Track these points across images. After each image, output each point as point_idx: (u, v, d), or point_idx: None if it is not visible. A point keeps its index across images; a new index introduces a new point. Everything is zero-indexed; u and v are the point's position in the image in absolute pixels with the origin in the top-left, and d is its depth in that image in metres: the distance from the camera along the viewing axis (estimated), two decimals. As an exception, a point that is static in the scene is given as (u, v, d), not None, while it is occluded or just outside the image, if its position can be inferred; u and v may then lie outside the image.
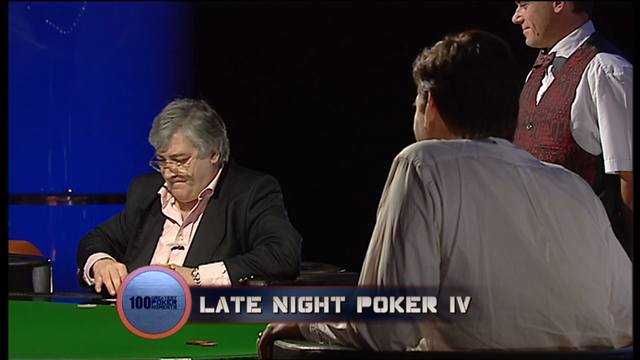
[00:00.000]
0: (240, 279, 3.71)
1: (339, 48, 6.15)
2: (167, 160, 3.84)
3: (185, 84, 6.35)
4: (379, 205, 2.18)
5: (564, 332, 2.17)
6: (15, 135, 6.04)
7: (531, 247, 2.16)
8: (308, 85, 6.21)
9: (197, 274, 3.72)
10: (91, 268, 3.85)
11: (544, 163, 2.30)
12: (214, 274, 3.73)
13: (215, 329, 3.14)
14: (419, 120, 2.31)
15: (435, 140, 2.22)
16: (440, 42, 2.30)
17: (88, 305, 3.61)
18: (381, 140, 5.97)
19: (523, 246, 2.15)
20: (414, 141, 2.34)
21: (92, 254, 3.89)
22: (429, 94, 2.27)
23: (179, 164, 3.83)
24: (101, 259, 3.85)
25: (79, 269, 3.93)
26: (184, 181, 3.84)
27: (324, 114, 6.23)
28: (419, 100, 2.31)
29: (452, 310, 2.13)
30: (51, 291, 4.18)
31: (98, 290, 3.78)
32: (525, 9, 3.70)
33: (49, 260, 4.25)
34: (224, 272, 3.72)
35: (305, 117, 6.24)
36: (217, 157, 3.87)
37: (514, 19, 3.73)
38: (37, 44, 6.06)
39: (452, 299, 2.13)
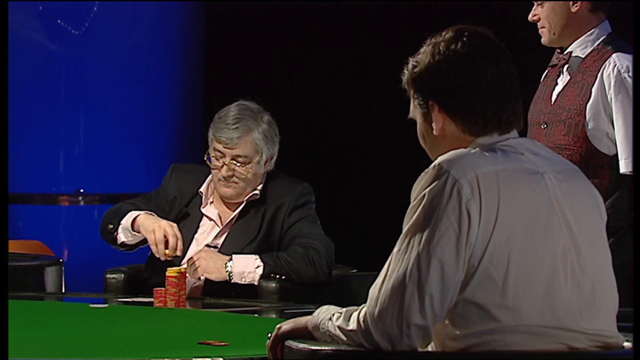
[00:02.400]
0: (272, 275, 3.71)
1: (353, 48, 6.14)
2: (227, 158, 3.84)
3: (197, 83, 6.35)
4: (411, 206, 2.15)
5: (576, 345, 2.17)
6: (27, 135, 6.05)
7: (554, 268, 2.15)
8: (319, 86, 6.20)
9: (231, 265, 3.72)
10: (133, 221, 3.82)
11: (561, 161, 2.29)
12: (247, 267, 3.73)
13: (227, 330, 3.14)
14: (425, 131, 2.27)
15: (473, 150, 2.18)
16: (424, 47, 2.25)
17: (100, 305, 3.60)
18: (393, 141, 5.96)
19: (546, 264, 2.14)
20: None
21: (132, 210, 3.85)
22: (431, 103, 2.23)
23: (239, 165, 3.82)
24: (146, 213, 3.83)
25: (110, 225, 3.87)
26: (237, 182, 3.84)
27: (335, 114, 6.22)
28: (418, 111, 2.26)
29: (466, 321, 2.13)
30: (63, 291, 4.18)
31: (154, 246, 3.73)
32: (542, 7, 3.68)
33: (61, 260, 4.25)
34: (258, 267, 3.72)
35: (317, 117, 6.23)
36: (268, 165, 3.89)
37: (530, 17, 3.71)
38: (49, 44, 6.07)
39: (468, 311, 2.12)
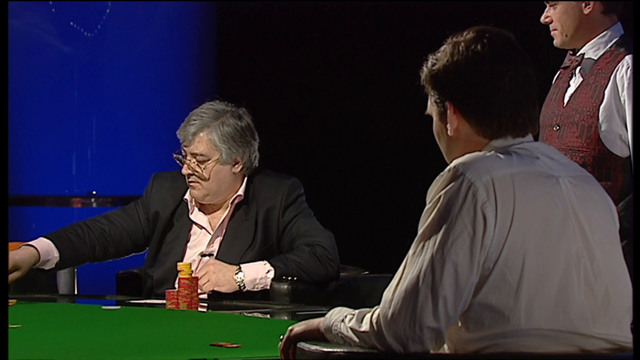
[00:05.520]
0: (284, 277, 3.71)
1: (365, 48, 6.13)
2: (188, 157, 3.83)
3: (209, 85, 6.36)
4: (426, 209, 2.15)
5: (590, 349, 2.16)
6: (40, 137, 6.07)
7: (568, 272, 2.14)
8: (330, 86, 6.19)
9: (242, 276, 3.71)
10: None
11: (575, 167, 2.28)
12: (258, 273, 3.71)
13: (239, 331, 3.14)
14: (440, 130, 2.27)
15: (488, 153, 2.18)
16: (445, 45, 2.25)
17: (112, 307, 3.61)
18: (405, 143, 5.95)
19: (560, 267, 2.14)
20: (437, 146, 2.31)
21: (42, 238, 3.83)
22: (447, 102, 2.23)
23: (197, 163, 3.81)
24: (26, 245, 3.79)
25: None
26: (198, 182, 3.82)
27: (347, 115, 6.22)
28: (434, 109, 2.26)
29: (480, 324, 2.12)
30: (75, 293, 4.19)
31: None
32: (554, 9, 3.67)
33: (73, 262, 4.25)
34: (268, 271, 3.71)
35: (329, 117, 6.23)
36: (240, 168, 3.83)
37: (542, 19, 3.70)
38: (62, 47, 6.08)
39: (482, 314, 2.11)
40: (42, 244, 3.79)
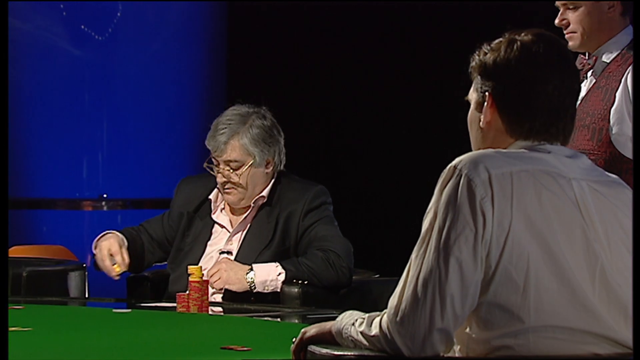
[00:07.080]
0: (294, 281, 3.71)
1: (377, 50, 6.13)
2: (221, 165, 3.84)
3: (220, 87, 6.36)
4: (427, 210, 2.15)
5: (602, 352, 2.15)
6: (51, 140, 6.08)
7: (578, 268, 2.13)
8: (340, 88, 6.20)
9: (252, 275, 3.71)
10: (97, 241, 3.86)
11: (600, 173, 2.27)
12: (269, 275, 3.72)
13: (250, 335, 3.14)
14: (474, 119, 2.28)
15: (490, 150, 2.19)
16: (501, 39, 2.27)
17: (123, 310, 3.61)
18: (416, 146, 5.95)
19: (569, 266, 2.13)
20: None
21: (108, 232, 3.89)
22: (488, 94, 2.24)
23: (232, 170, 3.82)
24: (107, 233, 3.85)
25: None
26: (235, 188, 3.83)
27: (358, 117, 6.22)
28: (474, 97, 2.28)
29: (490, 324, 2.12)
30: (86, 296, 4.19)
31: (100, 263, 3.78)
32: (573, 12, 3.64)
33: (84, 265, 4.26)
34: (279, 274, 3.71)
35: (339, 120, 6.23)
36: (272, 167, 3.87)
37: (557, 22, 3.67)
38: (72, 50, 6.10)
39: (491, 314, 2.11)
40: (118, 235, 3.86)
